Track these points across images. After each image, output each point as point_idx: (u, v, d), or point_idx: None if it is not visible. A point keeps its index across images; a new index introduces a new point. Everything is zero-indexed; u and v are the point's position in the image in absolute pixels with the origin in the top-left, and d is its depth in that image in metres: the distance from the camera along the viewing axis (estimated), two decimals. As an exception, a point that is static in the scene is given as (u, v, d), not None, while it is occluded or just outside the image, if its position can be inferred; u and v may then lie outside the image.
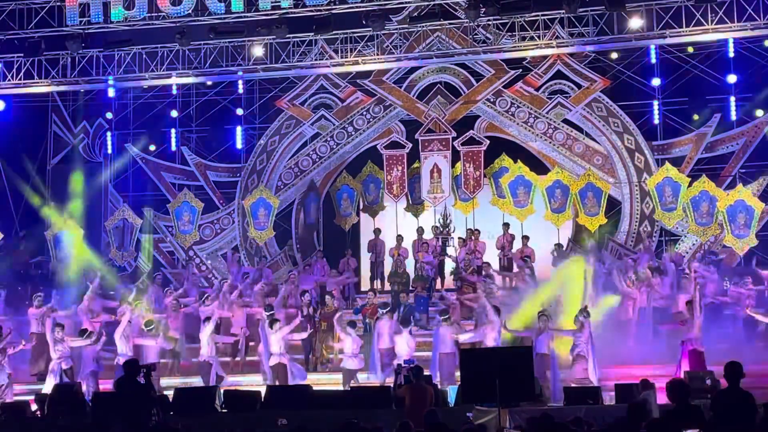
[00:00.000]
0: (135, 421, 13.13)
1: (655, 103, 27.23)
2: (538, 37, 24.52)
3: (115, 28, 24.66)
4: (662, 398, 16.38)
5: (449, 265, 26.08)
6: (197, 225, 27.64)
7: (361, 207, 28.44)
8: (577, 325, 18.99)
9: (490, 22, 25.19)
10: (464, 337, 20.22)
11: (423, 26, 25.73)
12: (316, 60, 26.36)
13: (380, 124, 28.48)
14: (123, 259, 27.54)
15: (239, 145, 29.34)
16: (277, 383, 19.57)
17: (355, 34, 25.47)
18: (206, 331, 20.17)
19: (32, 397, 18.62)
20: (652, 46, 25.93)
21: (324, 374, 21.46)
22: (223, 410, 17.51)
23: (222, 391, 18.25)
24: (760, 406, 11.60)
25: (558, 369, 19.12)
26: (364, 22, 24.10)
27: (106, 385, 19.41)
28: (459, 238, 26.42)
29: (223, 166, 29.56)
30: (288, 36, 24.79)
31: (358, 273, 27.28)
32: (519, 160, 26.91)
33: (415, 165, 27.40)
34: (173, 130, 29.57)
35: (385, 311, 20.99)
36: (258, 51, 25.44)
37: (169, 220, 28.07)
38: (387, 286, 25.71)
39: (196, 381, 20.27)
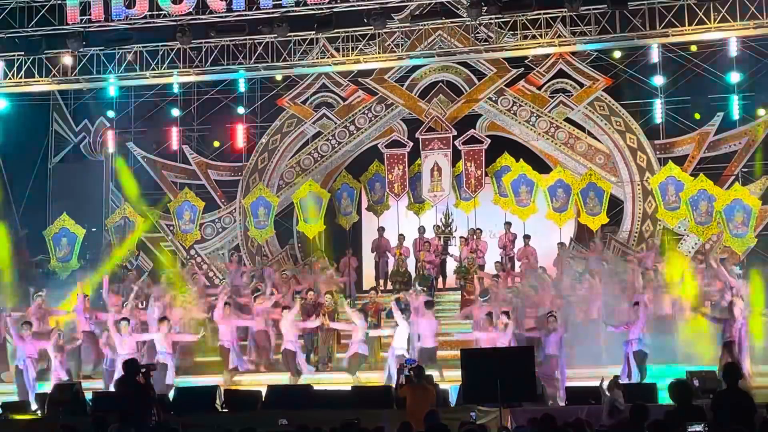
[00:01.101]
0: (135, 421, 13.08)
1: (658, 101, 27.16)
2: (540, 35, 24.45)
3: (115, 27, 24.62)
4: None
5: (452, 265, 26.03)
6: (198, 224, 27.55)
7: (365, 206, 28.36)
8: (550, 327, 19.25)
9: (491, 21, 25.15)
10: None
11: (425, 25, 25.72)
12: (317, 58, 26.31)
13: (382, 122, 28.45)
14: (125, 258, 27.44)
15: (240, 143, 29.27)
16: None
17: (357, 33, 25.43)
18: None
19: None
20: (655, 45, 25.84)
21: (325, 374, 21.41)
22: (224, 410, 17.50)
23: (222, 390, 18.24)
24: (762, 407, 11.59)
25: (566, 369, 19.15)
26: (365, 20, 24.07)
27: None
28: (461, 237, 26.36)
29: (224, 164, 29.52)
30: (289, 34, 24.75)
31: (360, 272, 27.23)
32: (521, 159, 26.84)
33: (417, 163, 27.33)
34: (174, 129, 29.51)
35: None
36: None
37: (170, 219, 27.99)
38: (389, 285, 25.70)
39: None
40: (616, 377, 16.05)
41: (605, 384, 15.75)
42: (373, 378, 20.44)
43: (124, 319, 20.56)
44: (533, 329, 20.29)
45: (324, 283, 24.10)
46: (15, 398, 19.38)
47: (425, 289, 22.98)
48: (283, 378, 20.63)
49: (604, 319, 20.22)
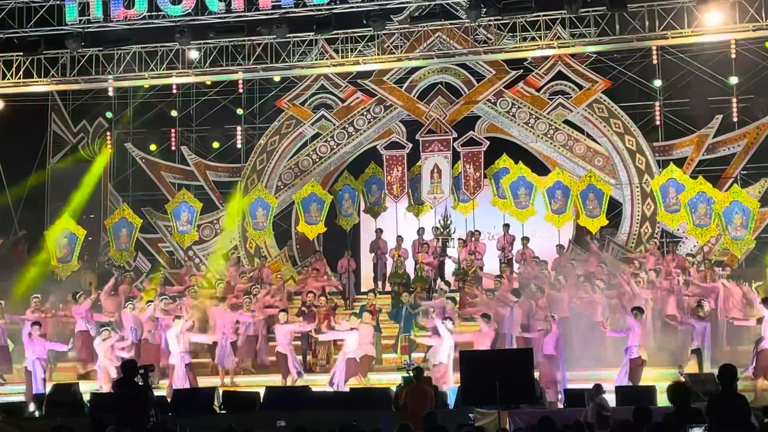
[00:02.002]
0: (133, 422, 13.06)
1: (657, 104, 27.14)
2: (539, 37, 24.48)
3: (114, 27, 24.61)
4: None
5: (450, 266, 26.02)
6: (196, 225, 27.50)
7: (362, 208, 28.29)
8: (546, 327, 19.45)
9: (491, 23, 25.21)
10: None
11: (424, 26, 25.75)
12: (316, 60, 26.31)
13: (380, 124, 28.42)
14: (122, 258, 27.37)
15: (239, 144, 29.22)
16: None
17: (356, 34, 25.48)
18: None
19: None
20: (654, 47, 25.84)
21: (323, 375, 21.39)
22: (222, 411, 17.48)
23: (221, 391, 18.24)
24: (758, 410, 11.59)
25: (566, 371, 19.15)
26: (364, 21, 24.10)
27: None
28: (459, 239, 26.33)
29: (222, 165, 29.46)
30: (288, 36, 24.76)
31: (358, 274, 27.21)
32: (520, 161, 26.80)
33: (418, 165, 27.29)
34: (173, 130, 29.46)
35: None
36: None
37: (168, 219, 27.93)
38: (388, 287, 25.68)
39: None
40: (598, 385, 16.03)
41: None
42: (383, 380, 20.45)
43: (177, 317, 20.69)
44: (540, 330, 20.22)
45: (319, 286, 24.17)
46: (13, 399, 19.38)
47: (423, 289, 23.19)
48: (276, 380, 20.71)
49: (603, 323, 20.19)
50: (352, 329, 20.55)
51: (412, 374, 15.81)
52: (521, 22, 24.43)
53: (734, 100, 26.39)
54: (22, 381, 20.87)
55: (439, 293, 22.60)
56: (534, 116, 27.49)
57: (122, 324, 22.01)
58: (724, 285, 21.67)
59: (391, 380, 19.44)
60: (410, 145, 27.30)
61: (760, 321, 19.48)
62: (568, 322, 20.61)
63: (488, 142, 27.11)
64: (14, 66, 25.54)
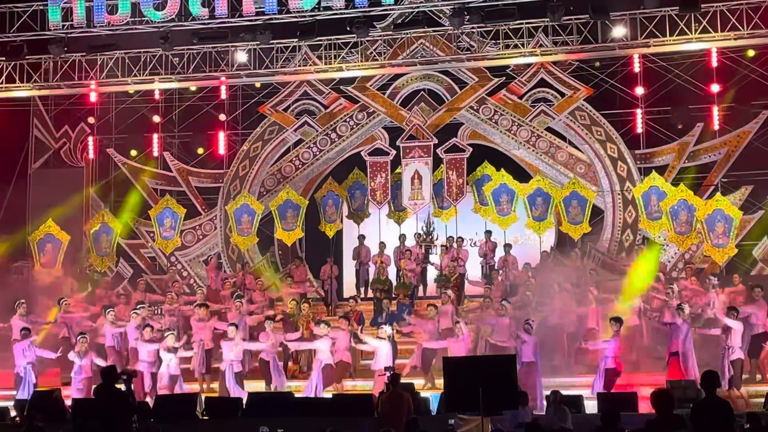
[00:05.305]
0: (115, 428, 13.02)
1: (638, 111, 27.23)
2: (522, 45, 24.59)
3: (97, 33, 24.58)
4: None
5: (432, 273, 26.05)
6: (179, 231, 27.42)
7: (345, 214, 28.28)
8: (523, 335, 19.56)
9: (474, 30, 25.30)
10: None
11: (407, 33, 25.83)
12: (299, 66, 26.33)
13: (363, 130, 28.43)
14: (103, 264, 27.28)
15: (222, 150, 29.14)
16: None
17: (339, 41, 25.55)
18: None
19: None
20: (636, 55, 25.96)
21: (305, 381, 21.35)
22: (204, 417, 17.45)
23: (203, 397, 18.21)
24: (742, 416, 11.66)
25: (541, 377, 19.20)
26: (348, 28, 24.14)
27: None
28: (441, 245, 26.37)
29: (205, 171, 29.40)
30: (272, 42, 24.79)
31: (341, 280, 27.20)
32: (502, 168, 26.85)
33: (398, 171, 27.31)
34: (156, 135, 29.37)
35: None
36: (242, 57, 25.41)
37: (150, 225, 27.84)
38: (370, 293, 25.70)
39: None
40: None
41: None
42: (358, 386, 20.46)
43: (231, 324, 20.75)
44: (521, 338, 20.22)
45: (294, 292, 24.16)
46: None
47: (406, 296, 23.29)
48: (260, 386, 20.67)
49: (583, 337, 20.29)
50: (325, 336, 20.42)
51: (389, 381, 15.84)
52: (504, 29, 24.55)
53: (716, 108, 26.50)
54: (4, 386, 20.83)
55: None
56: (516, 123, 27.56)
57: (100, 332, 21.97)
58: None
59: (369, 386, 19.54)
60: (394, 152, 27.33)
61: (725, 330, 19.52)
62: (561, 328, 20.66)
63: (471, 149, 27.16)
64: (-4, 71, 25.56)
